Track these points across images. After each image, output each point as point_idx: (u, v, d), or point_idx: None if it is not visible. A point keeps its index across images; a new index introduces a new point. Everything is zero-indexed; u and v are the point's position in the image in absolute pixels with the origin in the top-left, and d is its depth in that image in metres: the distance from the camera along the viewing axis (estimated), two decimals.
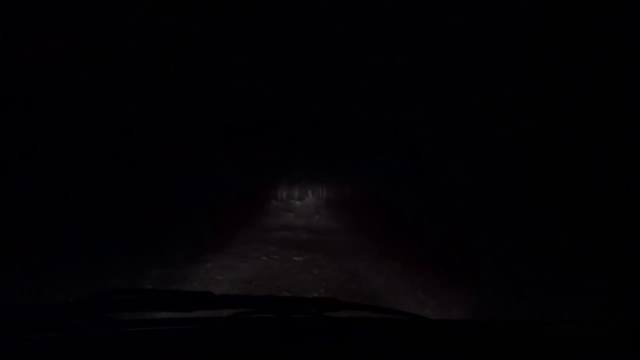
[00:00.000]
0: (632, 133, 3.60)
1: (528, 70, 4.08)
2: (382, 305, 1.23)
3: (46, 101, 4.71)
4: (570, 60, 3.74)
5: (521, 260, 4.24)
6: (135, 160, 6.43)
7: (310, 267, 5.78)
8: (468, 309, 3.88)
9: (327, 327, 1.14)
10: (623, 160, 3.71)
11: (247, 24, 4.02)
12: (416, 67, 4.64)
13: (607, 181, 3.79)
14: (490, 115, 4.90)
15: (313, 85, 5.30)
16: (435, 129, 5.96)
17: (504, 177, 4.94)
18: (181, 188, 7.33)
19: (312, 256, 6.42)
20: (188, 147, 7.20)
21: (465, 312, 3.83)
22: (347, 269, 5.64)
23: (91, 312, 1.08)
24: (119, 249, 4.95)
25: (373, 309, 1.23)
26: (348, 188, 11.04)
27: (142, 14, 3.75)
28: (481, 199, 5.31)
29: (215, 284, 4.70)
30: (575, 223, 3.95)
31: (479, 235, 5.10)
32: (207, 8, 3.76)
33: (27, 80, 4.34)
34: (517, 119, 4.56)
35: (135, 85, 4.94)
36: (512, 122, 4.62)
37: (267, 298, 1.69)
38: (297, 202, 12.33)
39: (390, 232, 7.11)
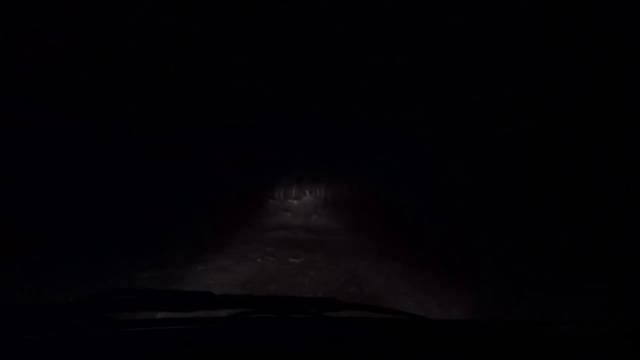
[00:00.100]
0: (632, 133, 3.60)
1: (528, 70, 4.07)
2: (382, 305, 1.24)
3: (46, 101, 4.71)
4: (570, 60, 3.74)
5: (521, 260, 4.24)
6: (135, 160, 6.42)
7: (307, 269, 5.79)
8: (468, 309, 3.87)
9: (327, 327, 1.14)
10: (623, 160, 3.71)
11: (247, 24, 4.02)
12: (416, 67, 4.64)
13: (607, 181, 3.79)
14: (490, 115, 4.90)
15: (313, 85, 5.29)
16: (435, 129, 5.96)
17: (504, 177, 4.94)
18: (181, 188, 7.31)
19: (311, 256, 6.42)
20: (188, 147, 7.19)
21: (465, 312, 3.82)
22: (347, 268, 5.65)
23: (91, 312, 1.08)
24: (118, 249, 4.94)
25: (373, 309, 1.23)
26: (348, 188, 11.04)
27: (142, 14, 3.75)
28: (481, 199, 5.31)
29: (209, 288, 4.67)
30: (575, 223, 3.95)
31: (479, 235, 5.10)
32: (207, 8, 3.76)
33: (27, 80, 4.33)
34: (517, 119, 4.56)
35: (135, 85, 4.94)
36: (512, 122, 4.62)
37: (267, 298, 1.69)
38: (295, 202, 12.32)
39: (390, 232, 7.10)
